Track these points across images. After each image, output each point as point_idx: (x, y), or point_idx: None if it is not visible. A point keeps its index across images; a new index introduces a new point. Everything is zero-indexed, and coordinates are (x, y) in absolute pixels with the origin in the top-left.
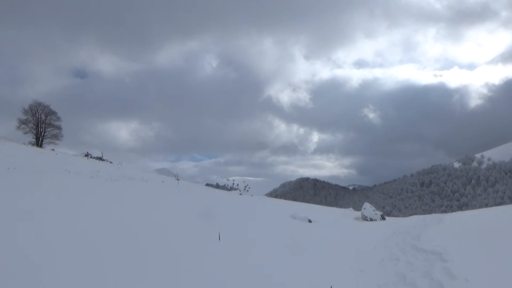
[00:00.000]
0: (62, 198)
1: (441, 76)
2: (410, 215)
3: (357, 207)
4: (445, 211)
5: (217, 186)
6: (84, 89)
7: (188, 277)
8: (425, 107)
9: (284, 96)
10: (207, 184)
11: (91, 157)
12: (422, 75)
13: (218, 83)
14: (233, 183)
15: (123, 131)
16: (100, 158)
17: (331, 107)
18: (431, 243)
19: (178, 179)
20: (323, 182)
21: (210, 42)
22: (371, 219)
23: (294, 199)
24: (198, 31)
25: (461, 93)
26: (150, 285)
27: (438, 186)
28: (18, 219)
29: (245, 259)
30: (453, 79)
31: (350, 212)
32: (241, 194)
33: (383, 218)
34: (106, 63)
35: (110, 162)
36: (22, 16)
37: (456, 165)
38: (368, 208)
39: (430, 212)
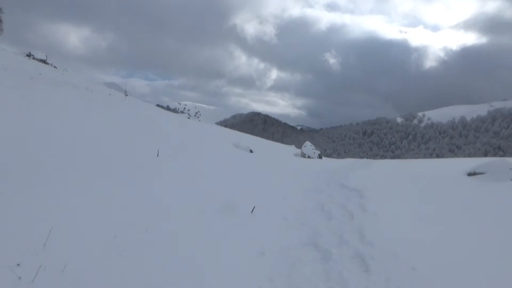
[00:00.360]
0: None
1: (406, 33)
2: None
3: (300, 146)
4: None
5: (168, 109)
6: None
7: (120, 189)
8: (384, 61)
9: (250, 28)
10: (157, 105)
11: (33, 58)
12: (389, 29)
13: (184, 1)
14: (185, 108)
15: (72, 36)
16: (44, 61)
17: (295, 46)
18: (355, 182)
19: (126, 95)
20: (273, 119)
21: None
22: (309, 157)
23: (243, 131)
24: None
25: (420, 52)
26: (86, 195)
27: (378, 137)
28: None
29: (183, 176)
30: (416, 38)
31: (291, 149)
32: (189, 117)
33: (320, 157)
34: None
35: (55, 67)
36: None
37: (399, 120)
38: (308, 147)
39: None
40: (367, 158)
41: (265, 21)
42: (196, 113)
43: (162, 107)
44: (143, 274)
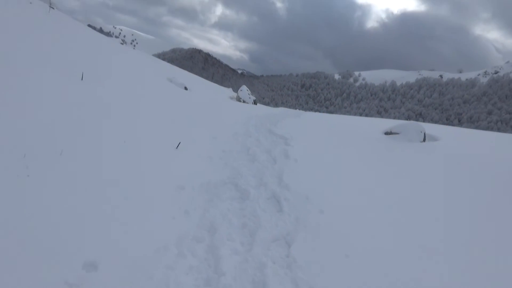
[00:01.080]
0: None
1: None
2: None
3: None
4: None
5: (101, 31)
6: None
7: (40, 111)
8: (330, 14)
9: None
10: (89, 25)
11: None
12: None
13: None
14: (120, 33)
15: None
16: None
17: None
18: (283, 130)
19: (52, 7)
20: (215, 59)
21: None
22: (244, 101)
23: (182, 68)
24: None
25: (364, 11)
26: None
27: (315, 91)
28: None
29: (108, 102)
30: None
31: (228, 91)
32: (122, 43)
33: (255, 103)
34: None
35: None
36: None
37: (336, 77)
38: (244, 91)
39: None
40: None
41: None
42: (133, 41)
43: (94, 28)
44: (54, 197)
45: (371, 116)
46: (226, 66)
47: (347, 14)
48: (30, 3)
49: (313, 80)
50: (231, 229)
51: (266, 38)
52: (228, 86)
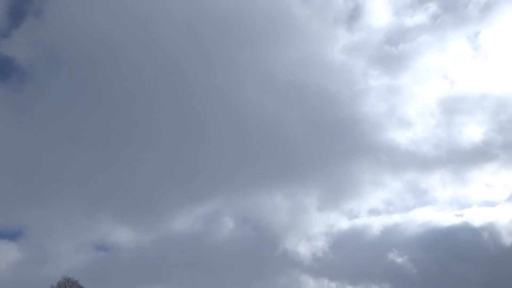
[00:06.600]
0: None
1: (461, 216)
2: None
3: None
4: None
5: None
6: (106, 262)
7: None
8: (454, 247)
9: (302, 248)
10: None
11: None
12: (443, 216)
13: (235, 243)
14: None
15: None
16: None
17: (354, 255)
18: None
19: None
20: None
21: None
22: None
23: None
24: (209, 195)
25: (490, 230)
26: None
27: None
28: None
29: None
30: (475, 217)
31: None
32: None
33: None
34: (123, 236)
35: None
36: (48, 198)
37: None
38: None
39: None
40: None
41: (313, 238)
42: None
43: None
44: None
45: None
46: None
47: (472, 240)
48: None
49: None
50: None
51: None
52: None
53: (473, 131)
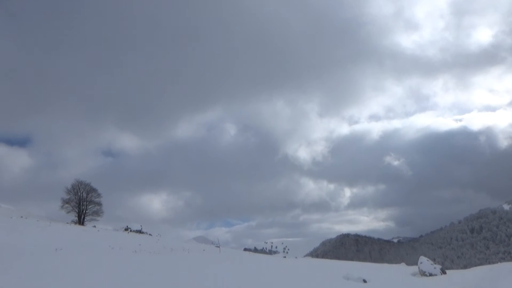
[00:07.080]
0: (111, 278)
1: (461, 120)
2: (465, 265)
3: (407, 261)
4: (503, 258)
5: (256, 250)
6: (114, 167)
7: None
8: (451, 151)
9: (302, 153)
10: (245, 249)
11: (131, 230)
12: (442, 121)
13: (238, 147)
14: (271, 246)
15: (155, 202)
16: (140, 231)
17: (354, 160)
18: None
19: (218, 246)
20: (365, 237)
21: (223, 111)
22: (430, 274)
23: (337, 257)
24: (210, 103)
25: (488, 134)
26: None
27: (490, 231)
28: None
29: None
30: (475, 122)
31: (404, 268)
32: (285, 257)
33: (443, 272)
34: (128, 142)
35: (150, 235)
36: (53, 106)
37: (506, 207)
38: (425, 262)
39: (487, 261)
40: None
41: (313, 143)
42: (284, 248)
43: (250, 250)
44: None
45: None
46: (379, 239)
47: (469, 144)
48: (203, 250)
49: (481, 220)
50: None
51: (402, 199)
52: (389, 260)
53: (482, 34)
